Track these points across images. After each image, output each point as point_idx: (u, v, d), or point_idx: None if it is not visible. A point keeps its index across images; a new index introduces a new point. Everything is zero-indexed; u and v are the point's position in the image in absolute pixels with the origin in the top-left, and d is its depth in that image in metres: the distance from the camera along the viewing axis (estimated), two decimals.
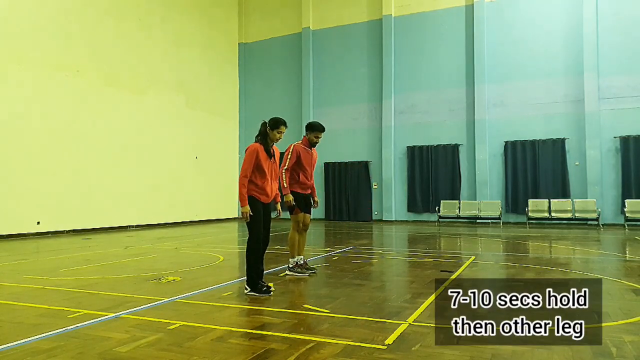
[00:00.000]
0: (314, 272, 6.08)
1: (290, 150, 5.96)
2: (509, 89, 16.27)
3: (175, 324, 3.77)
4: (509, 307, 4.34)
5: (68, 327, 3.66)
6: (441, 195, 16.90)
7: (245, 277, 4.92)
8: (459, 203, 16.46)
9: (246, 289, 4.87)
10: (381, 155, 17.97)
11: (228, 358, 2.99)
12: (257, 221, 4.87)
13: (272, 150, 5.01)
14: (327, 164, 18.90)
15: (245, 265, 4.90)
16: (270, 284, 5.02)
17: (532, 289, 5.32)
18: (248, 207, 4.78)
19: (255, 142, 4.96)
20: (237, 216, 20.49)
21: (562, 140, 15.39)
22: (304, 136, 6.17)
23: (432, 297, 4.69)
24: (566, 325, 3.52)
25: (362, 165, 18.39)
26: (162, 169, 16.45)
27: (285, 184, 5.85)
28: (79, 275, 6.18)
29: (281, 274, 6.07)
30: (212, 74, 19.36)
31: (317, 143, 6.12)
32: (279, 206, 5.33)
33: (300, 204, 5.94)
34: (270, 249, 9.28)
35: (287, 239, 6.25)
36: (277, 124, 4.94)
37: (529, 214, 15.05)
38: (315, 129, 6.05)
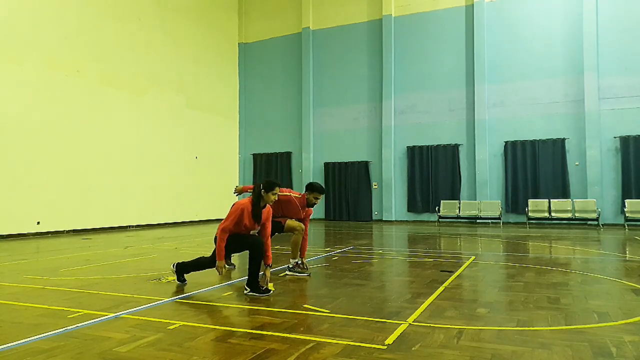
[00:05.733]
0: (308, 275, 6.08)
1: (294, 199, 5.97)
2: (509, 89, 16.28)
3: (175, 324, 3.77)
4: (508, 307, 4.35)
5: (68, 327, 3.66)
6: (441, 195, 16.91)
7: (247, 277, 4.92)
8: (459, 203, 16.47)
9: (246, 289, 4.88)
10: (381, 155, 17.97)
11: (228, 358, 2.99)
12: (241, 237, 4.96)
13: (261, 215, 4.98)
14: (327, 164, 18.91)
15: (249, 269, 4.89)
16: (270, 284, 5.03)
17: (532, 289, 5.34)
18: (223, 262, 4.92)
19: (251, 197, 4.99)
20: None
21: (562, 140, 15.40)
22: (304, 193, 6.12)
23: (432, 297, 4.69)
24: (566, 325, 3.53)
25: (362, 165, 18.40)
26: (162, 169, 16.45)
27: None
28: (79, 275, 6.18)
29: (281, 274, 6.07)
30: (212, 74, 19.36)
31: (315, 204, 6.12)
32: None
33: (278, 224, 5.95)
34: (271, 248, 9.28)
35: (286, 239, 6.24)
36: (271, 186, 4.98)
37: (529, 214, 15.05)
38: (315, 190, 6.03)
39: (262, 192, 4.98)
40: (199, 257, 5.41)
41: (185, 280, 5.43)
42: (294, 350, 3.10)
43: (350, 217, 18.39)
